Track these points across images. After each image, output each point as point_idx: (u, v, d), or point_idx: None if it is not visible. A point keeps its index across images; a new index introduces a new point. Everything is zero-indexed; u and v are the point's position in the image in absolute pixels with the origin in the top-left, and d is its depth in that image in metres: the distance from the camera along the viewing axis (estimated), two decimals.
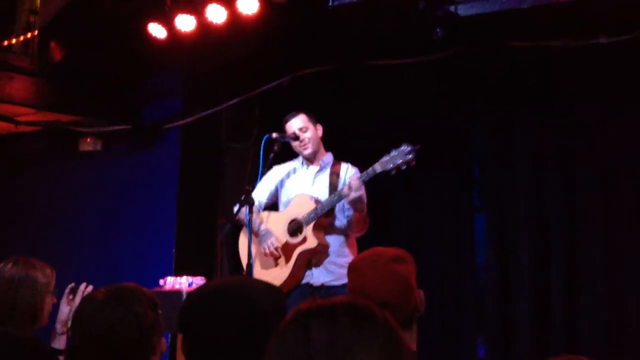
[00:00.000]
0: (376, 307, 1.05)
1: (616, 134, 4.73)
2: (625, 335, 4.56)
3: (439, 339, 5.23)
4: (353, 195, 3.67)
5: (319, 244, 3.88)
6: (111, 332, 1.75)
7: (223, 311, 1.51)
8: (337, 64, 5.08)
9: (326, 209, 3.86)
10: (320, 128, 4.09)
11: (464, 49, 4.66)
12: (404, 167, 3.60)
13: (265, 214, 4.13)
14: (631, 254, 4.59)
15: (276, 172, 4.20)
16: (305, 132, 4.01)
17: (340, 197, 3.80)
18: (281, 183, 4.17)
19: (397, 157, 3.59)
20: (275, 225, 4.02)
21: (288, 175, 4.16)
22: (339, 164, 4.13)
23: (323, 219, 3.91)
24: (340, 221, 3.99)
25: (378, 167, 3.66)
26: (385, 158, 3.64)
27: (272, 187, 4.18)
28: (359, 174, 3.88)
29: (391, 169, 3.62)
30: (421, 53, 4.77)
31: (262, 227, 4.02)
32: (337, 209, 3.96)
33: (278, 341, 1.03)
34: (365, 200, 3.83)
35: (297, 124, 4.02)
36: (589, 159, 4.80)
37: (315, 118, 4.08)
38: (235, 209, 3.93)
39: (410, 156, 3.55)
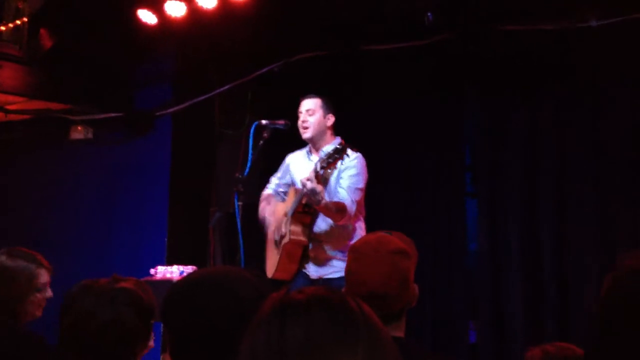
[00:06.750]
0: (354, 300, 1.00)
1: (610, 120, 4.70)
2: None
3: (431, 324, 5.22)
4: (306, 189, 3.54)
5: (290, 241, 3.82)
6: (93, 333, 1.74)
7: (204, 301, 1.48)
8: (330, 49, 5.04)
9: (294, 206, 3.80)
10: (331, 118, 3.95)
11: (456, 34, 4.63)
12: (338, 162, 3.49)
13: (278, 204, 4.12)
14: (626, 240, 4.56)
15: (287, 161, 4.19)
16: (310, 115, 3.91)
17: (301, 195, 3.72)
18: (289, 172, 4.15)
19: (325, 158, 3.51)
20: (280, 216, 4.03)
21: (295, 165, 4.13)
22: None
23: (302, 215, 3.83)
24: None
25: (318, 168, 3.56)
26: (322, 157, 3.57)
27: (281, 175, 4.18)
28: (360, 159, 3.81)
29: (327, 167, 3.53)
30: (414, 38, 4.74)
31: (271, 217, 4.04)
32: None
33: (251, 336, 0.99)
34: (345, 198, 3.74)
35: (306, 104, 3.94)
36: (582, 144, 4.78)
37: (331, 108, 3.96)
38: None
39: (338, 155, 3.45)
